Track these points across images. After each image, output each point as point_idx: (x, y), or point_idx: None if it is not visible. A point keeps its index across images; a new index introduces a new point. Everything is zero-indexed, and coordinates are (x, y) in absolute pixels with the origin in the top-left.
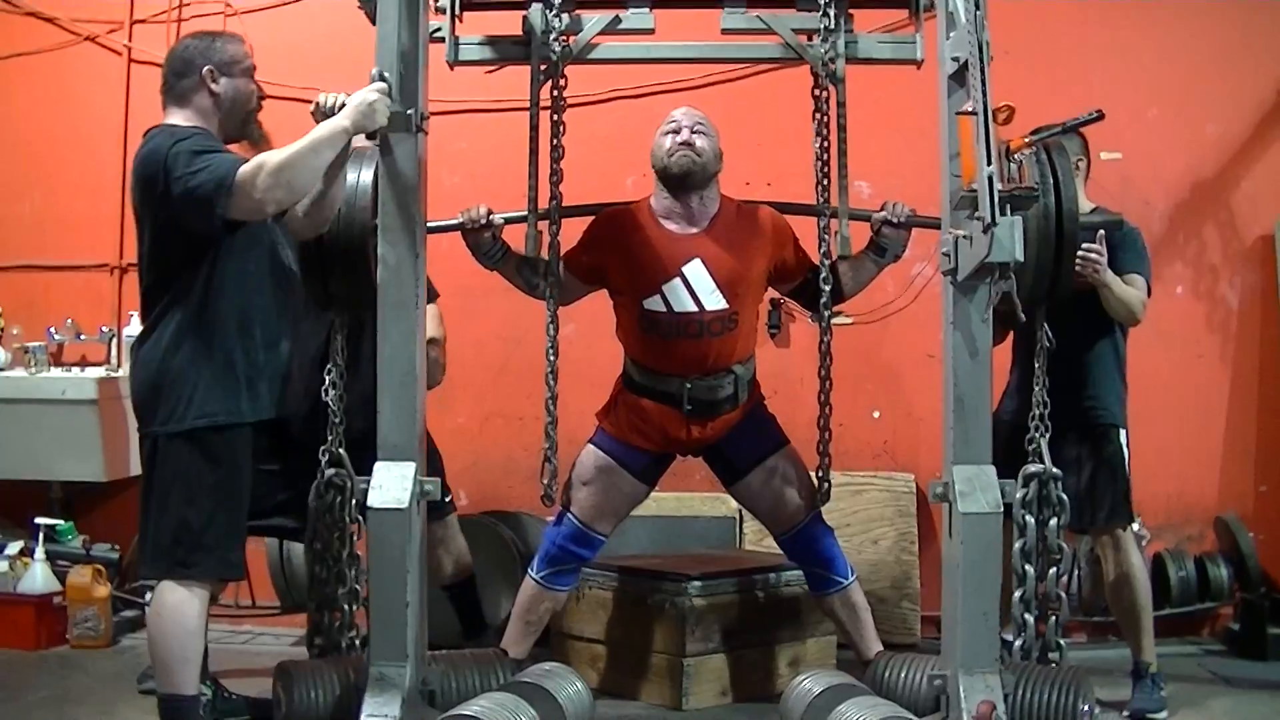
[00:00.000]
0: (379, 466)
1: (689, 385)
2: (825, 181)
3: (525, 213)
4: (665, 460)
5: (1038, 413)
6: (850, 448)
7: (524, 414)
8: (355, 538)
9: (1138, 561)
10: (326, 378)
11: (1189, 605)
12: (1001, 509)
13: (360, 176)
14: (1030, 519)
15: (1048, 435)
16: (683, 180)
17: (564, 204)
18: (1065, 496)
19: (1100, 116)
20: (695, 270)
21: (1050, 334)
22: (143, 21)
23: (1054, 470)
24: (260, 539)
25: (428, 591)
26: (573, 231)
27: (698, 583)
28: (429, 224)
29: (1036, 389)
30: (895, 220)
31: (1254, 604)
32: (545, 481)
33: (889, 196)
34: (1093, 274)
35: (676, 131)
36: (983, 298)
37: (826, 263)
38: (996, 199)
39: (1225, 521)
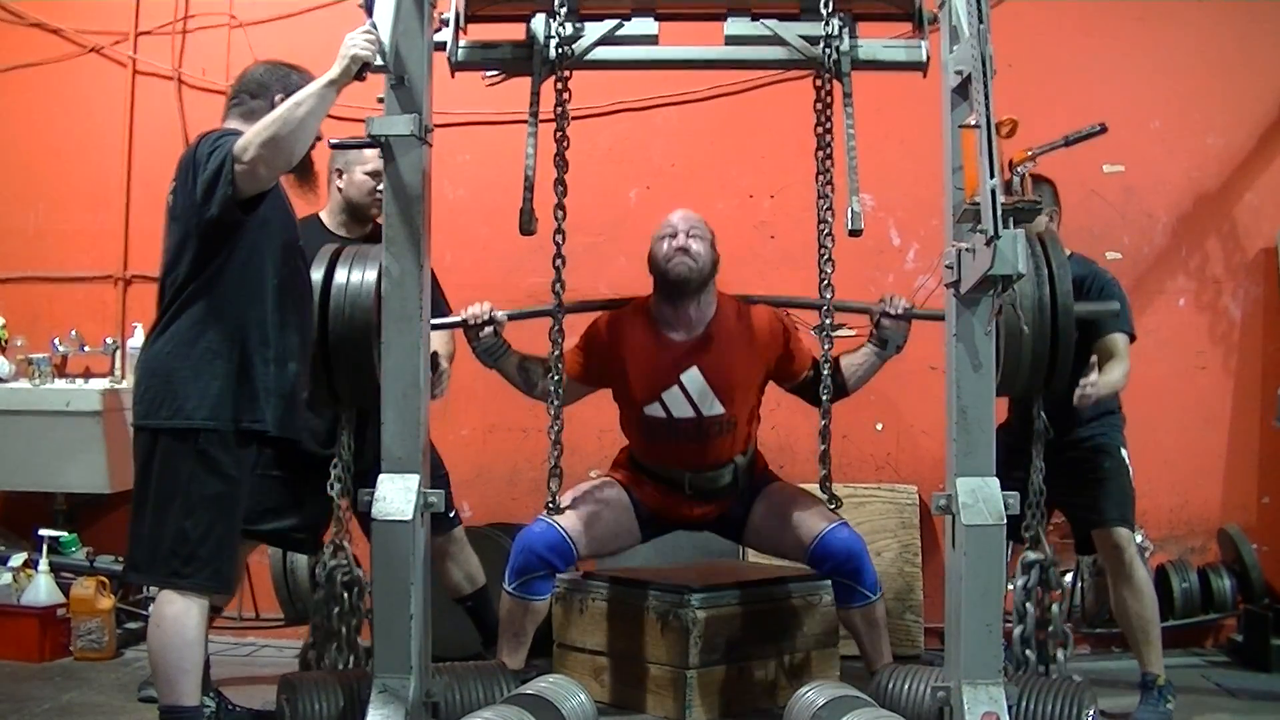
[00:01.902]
0: (382, 478)
1: (690, 475)
2: (828, 193)
3: (530, 309)
4: (667, 527)
5: (1034, 500)
6: (854, 460)
7: (527, 426)
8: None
9: (1142, 573)
10: (332, 472)
11: (1192, 617)
12: (1005, 521)
13: (365, 275)
14: (1030, 607)
15: (1045, 522)
16: (681, 286)
17: (566, 214)
18: (1065, 583)
19: (1103, 130)
20: (693, 379)
21: (1048, 422)
22: (147, 33)
23: (1054, 558)
24: (264, 552)
25: (438, 604)
26: (575, 252)
27: (701, 595)
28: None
29: (1034, 477)
30: (893, 312)
31: (1257, 615)
32: (553, 489)
33: (892, 208)
34: (1088, 404)
35: (673, 236)
36: (985, 310)
37: (827, 365)
38: (999, 212)
39: (1228, 533)
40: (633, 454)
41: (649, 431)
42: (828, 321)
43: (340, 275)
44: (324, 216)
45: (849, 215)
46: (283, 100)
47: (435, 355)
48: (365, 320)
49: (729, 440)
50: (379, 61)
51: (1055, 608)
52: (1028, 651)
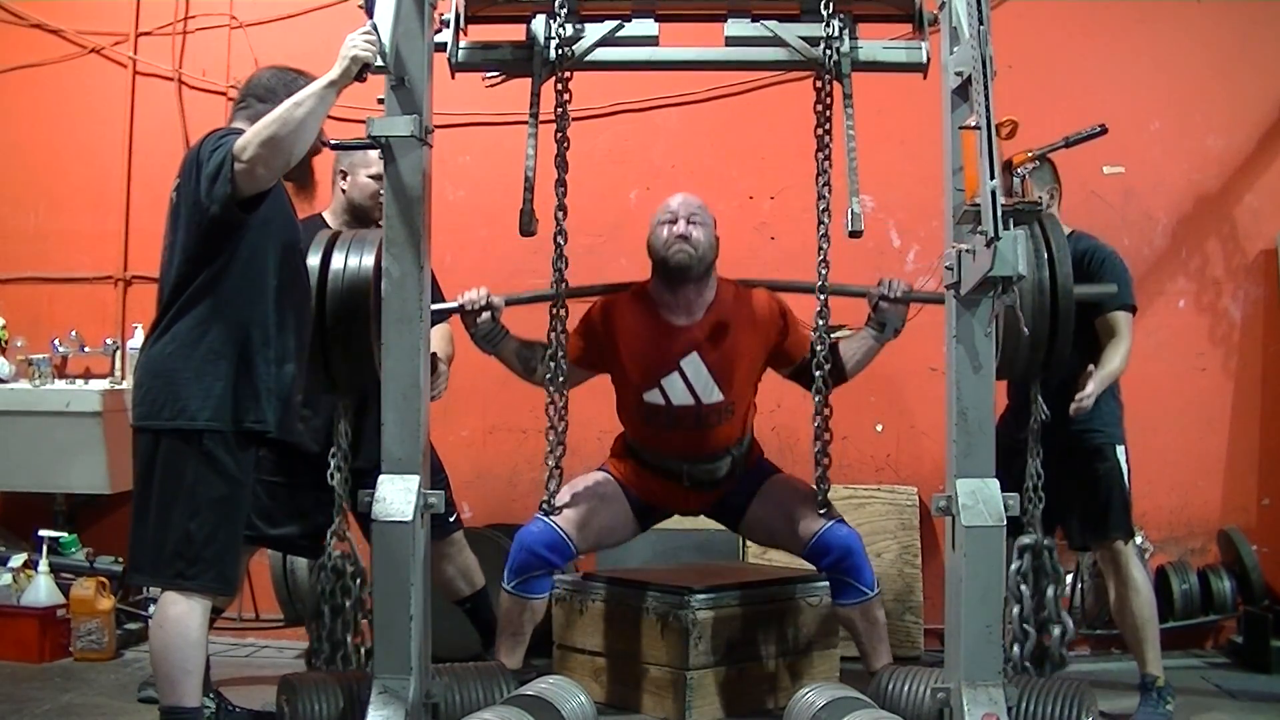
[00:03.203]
0: (382, 479)
1: (687, 465)
2: (827, 194)
3: (526, 295)
4: (663, 514)
5: (1031, 484)
6: (853, 461)
7: (527, 427)
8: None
9: (1141, 575)
10: (331, 461)
11: (1192, 618)
12: (1005, 522)
13: (362, 260)
14: (1025, 589)
15: (1041, 507)
16: (681, 273)
17: (567, 214)
18: (1060, 568)
19: (1103, 131)
20: (693, 364)
21: (1045, 408)
22: (148, 34)
23: (1046, 542)
24: (264, 553)
25: (438, 605)
26: (576, 249)
27: (701, 595)
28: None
29: (1031, 463)
30: (891, 295)
31: (1257, 617)
32: (551, 488)
33: (892, 210)
34: (1089, 405)
35: (673, 222)
36: (985, 311)
37: (822, 348)
38: (999, 214)
39: (1228, 534)
40: (630, 443)
41: (647, 419)
42: (823, 311)
43: (337, 260)
44: (327, 217)
45: (849, 216)
46: None
47: (434, 356)
48: (362, 306)
49: (726, 428)
50: (379, 63)
51: (1051, 590)
52: (1026, 627)
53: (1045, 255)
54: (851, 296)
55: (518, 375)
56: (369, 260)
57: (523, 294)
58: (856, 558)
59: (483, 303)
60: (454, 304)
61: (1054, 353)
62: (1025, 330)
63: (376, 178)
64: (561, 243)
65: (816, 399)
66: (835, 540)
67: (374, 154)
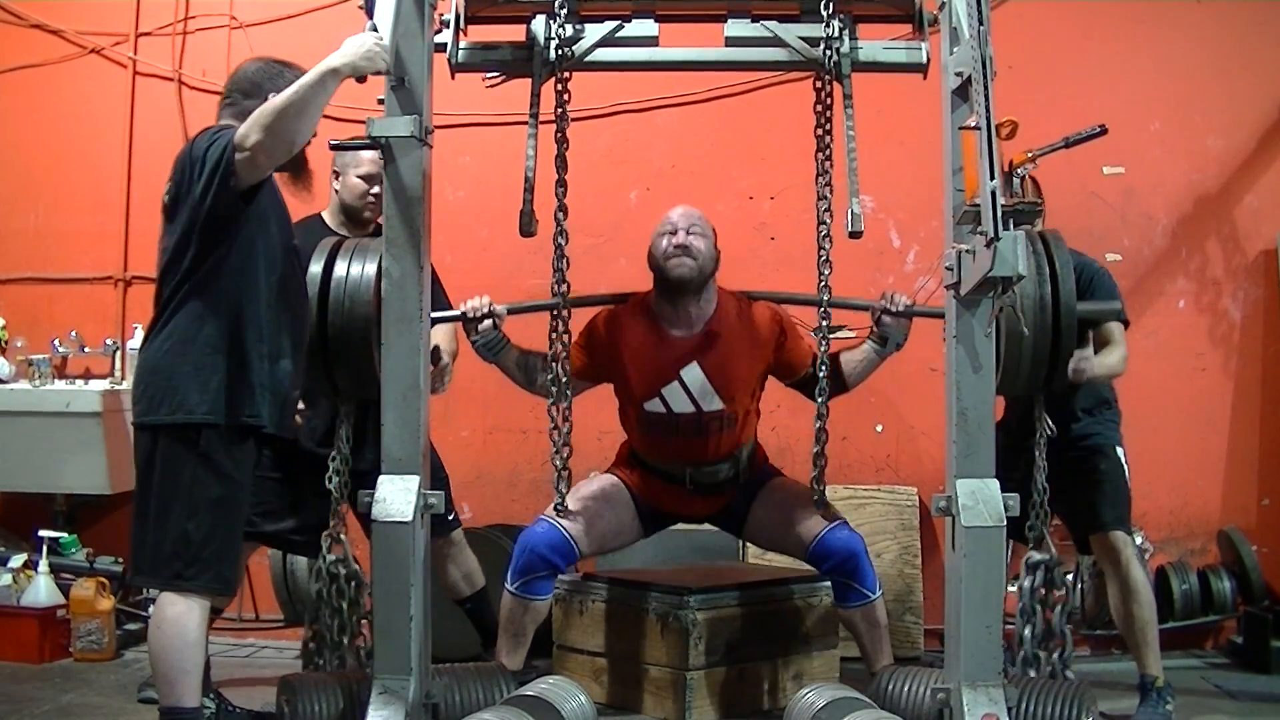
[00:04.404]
0: (382, 480)
1: (690, 469)
2: (828, 194)
3: (529, 303)
4: (668, 520)
5: (1038, 500)
6: (853, 461)
7: (527, 427)
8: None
9: (1140, 576)
10: (330, 465)
11: (1192, 618)
12: (1005, 523)
13: (365, 269)
14: (1038, 608)
15: (1048, 522)
16: (681, 286)
17: (567, 215)
18: (1069, 581)
19: (1103, 132)
20: (693, 375)
21: (1051, 423)
22: (148, 34)
23: (1059, 558)
24: (264, 553)
25: (438, 605)
26: (576, 246)
27: (701, 596)
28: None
29: (1038, 477)
30: (894, 310)
31: (1257, 617)
32: (562, 490)
33: (892, 210)
34: (1082, 379)
35: (673, 233)
36: (985, 312)
37: (824, 368)
38: (999, 214)
39: (1228, 535)
40: (633, 449)
41: (649, 426)
42: (824, 323)
43: (340, 269)
44: (326, 216)
45: (849, 217)
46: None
47: (436, 349)
48: (365, 314)
49: (729, 435)
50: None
51: (1058, 610)
52: (1038, 653)
53: (1048, 271)
54: (854, 310)
55: (519, 385)
56: (371, 269)
57: (525, 303)
58: (859, 560)
59: (484, 311)
60: (456, 312)
61: (1056, 369)
62: (1025, 331)
63: (365, 179)
64: (562, 243)
65: (819, 401)
66: (837, 544)
67: (365, 154)
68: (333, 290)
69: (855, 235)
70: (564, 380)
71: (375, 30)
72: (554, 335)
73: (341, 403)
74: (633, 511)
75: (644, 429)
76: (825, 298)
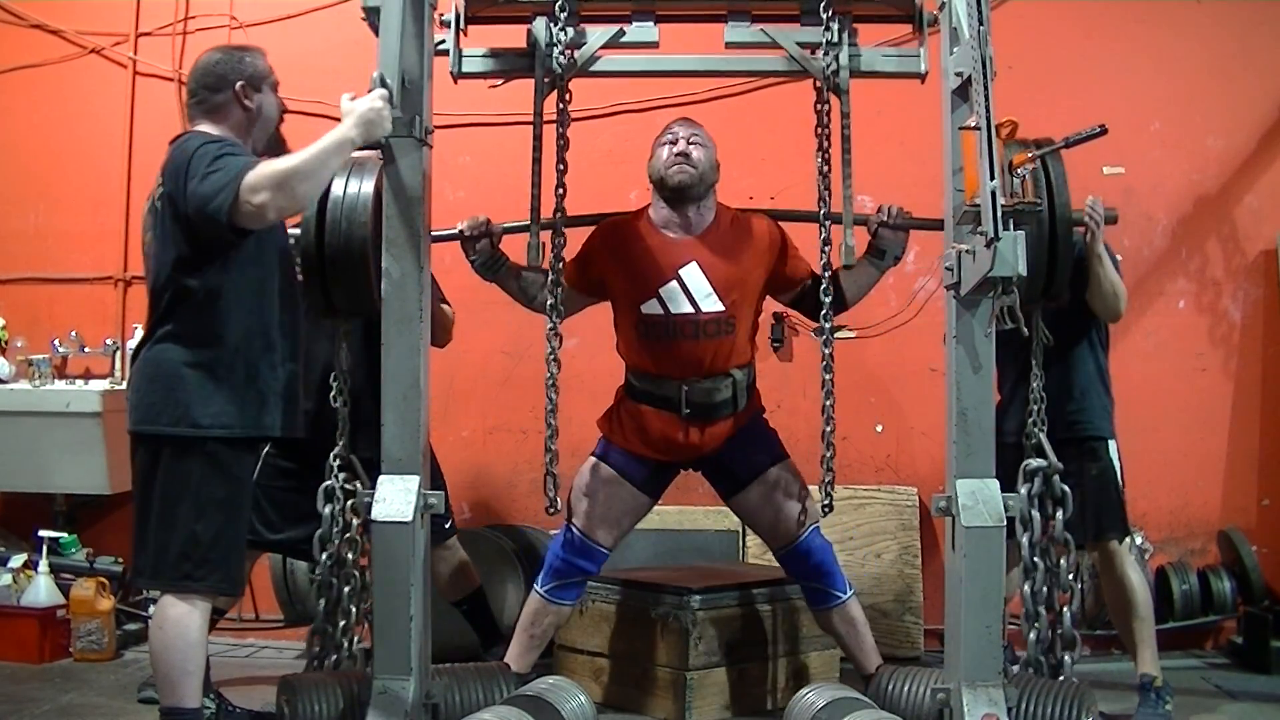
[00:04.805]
0: (382, 480)
1: (686, 388)
2: (828, 195)
3: (526, 222)
4: (667, 473)
5: (1035, 409)
6: (853, 461)
7: (526, 427)
8: (360, 550)
9: (1135, 575)
10: (334, 385)
11: (1192, 619)
12: (1005, 523)
13: (361, 187)
14: (1035, 514)
15: (1045, 429)
16: (680, 192)
17: (566, 211)
18: (1068, 489)
19: (1103, 132)
20: (692, 273)
21: (1047, 332)
22: (148, 34)
23: (1057, 464)
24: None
25: (438, 605)
26: (574, 244)
27: (700, 596)
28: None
29: (1034, 384)
30: (891, 222)
31: (1257, 617)
32: (551, 494)
33: None
34: (1093, 228)
35: (673, 143)
36: (985, 311)
37: (827, 274)
38: (999, 214)
39: (1228, 535)
40: (629, 381)
41: (645, 332)
42: (828, 249)
43: (336, 187)
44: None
45: (843, 250)
46: (243, 89)
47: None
48: (361, 233)
49: (726, 345)
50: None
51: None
52: (1035, 559)
53: (1045, 184)
54: (851, 225)
55: (519, 303)
56: (369, 187)
57: (521, 222)
58: (826, 566)
59: (482, 228)
60: (453, 230)
61: (1054, 280)
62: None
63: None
64: (562, 244)
65: (825, 351)
66: (803, 552)
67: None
68: (329, 209)
69: (848, 269)
70: (559, 304)
71: (384, 85)
72: (554, 258)
73: (338, 323)
74: (634, 486)
75: (640, 336)
76: (826, 225)
